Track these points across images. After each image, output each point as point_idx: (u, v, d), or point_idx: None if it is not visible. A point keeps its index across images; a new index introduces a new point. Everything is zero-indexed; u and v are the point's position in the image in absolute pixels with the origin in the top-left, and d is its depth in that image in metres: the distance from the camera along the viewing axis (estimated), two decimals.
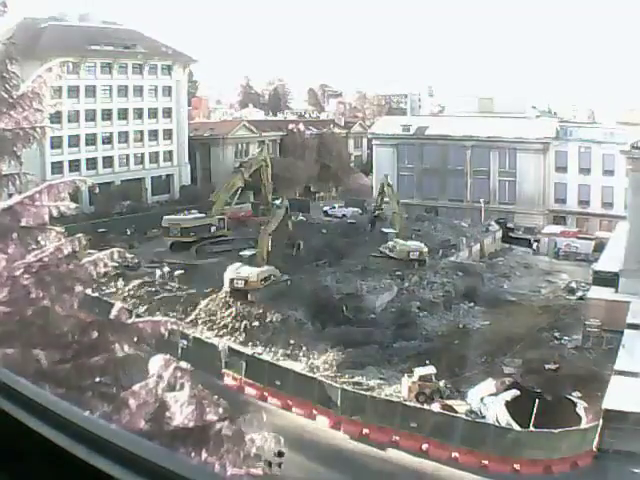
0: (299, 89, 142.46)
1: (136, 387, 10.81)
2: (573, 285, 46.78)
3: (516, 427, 27.42)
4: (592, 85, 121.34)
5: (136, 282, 42.99)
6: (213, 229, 54.65)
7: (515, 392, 29.49)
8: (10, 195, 11.26)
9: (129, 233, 56.55)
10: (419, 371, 31.94)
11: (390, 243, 50.14)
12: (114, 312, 12.06)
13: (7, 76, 11.19)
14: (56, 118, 58.69)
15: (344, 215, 65.83)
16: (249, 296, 40.67)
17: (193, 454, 9.68)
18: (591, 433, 26.47)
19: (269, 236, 45.82)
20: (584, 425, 27.71)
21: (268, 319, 39.18)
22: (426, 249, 49.44)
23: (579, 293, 44.47)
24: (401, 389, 31.88)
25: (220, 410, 11.21)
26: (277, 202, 61.94)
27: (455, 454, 26.75)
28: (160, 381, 10.95)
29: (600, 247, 52.66)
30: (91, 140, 68.66)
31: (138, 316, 25.88)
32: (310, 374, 32.79)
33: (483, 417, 28.56)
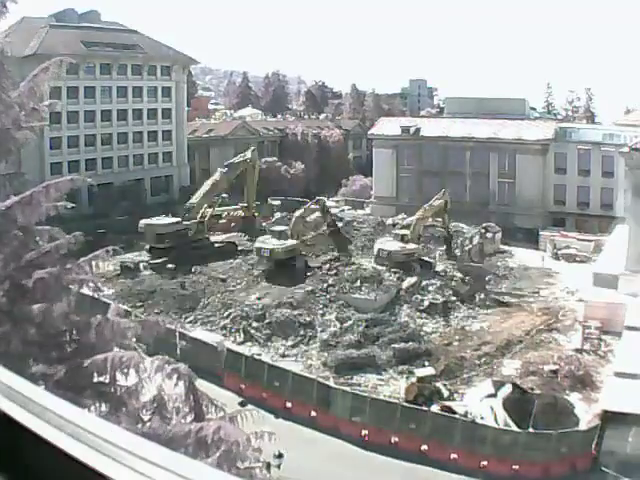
0: (299, 90, 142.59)
1: (134, 387, 10.80)
2: (572, 286, 46.72)
3: (515, 428, 27.42)
4: (592, 86, 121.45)
5: None
6: (190, 233, 51.04)
7: (508, 387, 29.50)
8: (8, 196, 11.23)
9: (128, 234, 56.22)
10: (418, 372, 31.92)
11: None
12: (111, 312, 12.06)
13: (5, 76, 11.18)
14: (56, 119, 58.71)
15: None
16: None
17: (192, 453, 9.67)
18: (590, 434, 26.47)
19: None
20: (583, 427, 27.72)
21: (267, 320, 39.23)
22: None
23: (578, 294, 44.41)
24: (400, 390, 31.85)
25: (217, 410, 11.21)
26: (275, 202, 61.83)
27: (454, 455, 26.77)
28: (158, 381, 10.94)
29: (599, 248, 52.71)
30: (90, 141, 68.65)
31: (136, 316, 25.90)
32: (309, 375, 32.72)
33: (482, 418, 28.55)
